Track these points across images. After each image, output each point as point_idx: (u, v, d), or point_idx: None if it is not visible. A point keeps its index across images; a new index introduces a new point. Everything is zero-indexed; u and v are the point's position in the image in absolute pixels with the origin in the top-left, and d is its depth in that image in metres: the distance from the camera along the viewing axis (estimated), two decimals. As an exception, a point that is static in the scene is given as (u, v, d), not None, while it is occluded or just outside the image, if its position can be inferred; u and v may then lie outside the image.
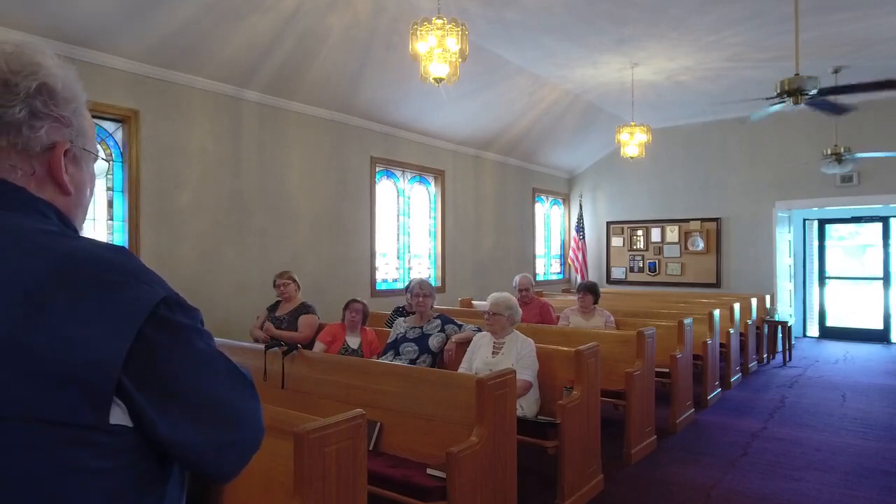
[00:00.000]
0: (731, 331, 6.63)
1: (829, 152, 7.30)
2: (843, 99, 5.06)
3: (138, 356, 0.67)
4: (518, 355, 3.77)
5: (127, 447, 0.68)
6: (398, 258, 7.59)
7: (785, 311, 9.03)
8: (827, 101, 4.97)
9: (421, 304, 4.28)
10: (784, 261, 9.38)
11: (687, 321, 5.30)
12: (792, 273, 9.71)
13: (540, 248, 10.43)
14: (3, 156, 0.75)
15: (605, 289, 8.40)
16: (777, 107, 4.99)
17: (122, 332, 0.67)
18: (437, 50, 3.93)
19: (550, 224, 10.84)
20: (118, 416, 0.67)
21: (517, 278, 5.72)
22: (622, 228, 10.51)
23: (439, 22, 3.93)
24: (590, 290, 5.52)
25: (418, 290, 4.30)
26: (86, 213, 0.87)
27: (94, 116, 4.61)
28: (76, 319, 0.65)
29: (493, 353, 3.86)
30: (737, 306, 6.99)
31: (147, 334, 0.68)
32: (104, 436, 0.66)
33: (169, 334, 0.71)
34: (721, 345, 6.41)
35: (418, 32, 3.94)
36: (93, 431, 0.65)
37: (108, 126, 4.75)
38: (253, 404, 0.83)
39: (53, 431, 0.63)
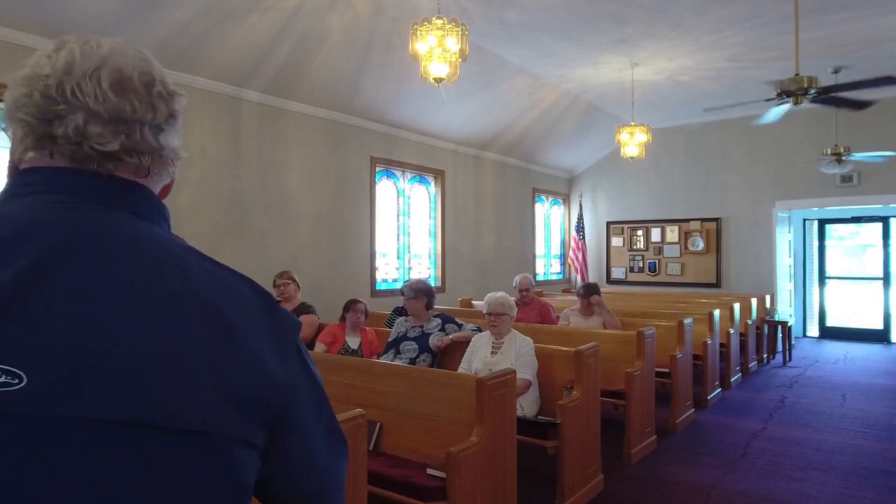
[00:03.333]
0: (731, 331, 6.63)
1: (829, 152, 7.30)
2: (863, 94, 5.03)
3: (292, 381, 0.69)
4: (517, 354, 3.78)
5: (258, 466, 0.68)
6: (398, 258, 7.59)
7: (785, 311, 9.02)
8: (843, 97, 4.96)
9: (409, 306, 4.28)
10: (784, 261, 9.38)
11: (687, 321, 5.30)
12: (792, 273, 9.71)
13: (540, 248, 10.43)
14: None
15: (605, 289, 8.40)
16: (783, 108, 4.98)
17: (286, 353, 0.69)
18: (437, 50, 3.92)
19: (550, 224, 10.84)
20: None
21: (517, 278, 5.73)
22: (622, 228, 10.51)
23: (439, 22, 3.93)
24: (592, 294, 5.52)
25: (408, 293, 4.30)
26: None
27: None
28: (253, 338, 0.66)
29: (493, 352, 3.86)
30: (737, 306, 6.99)
31: (297, 359, 0.71)
32: (257, 456, 0.67)
33: (303, 362, 0.72)
34: (721, 345, 6.41)
35: (418, 32, 3.93)
36: (256, 451, 0.66)
37: (108, 126, 4.74)
38: (344, 465, 0.81)
39: (236, 452, 0.63)
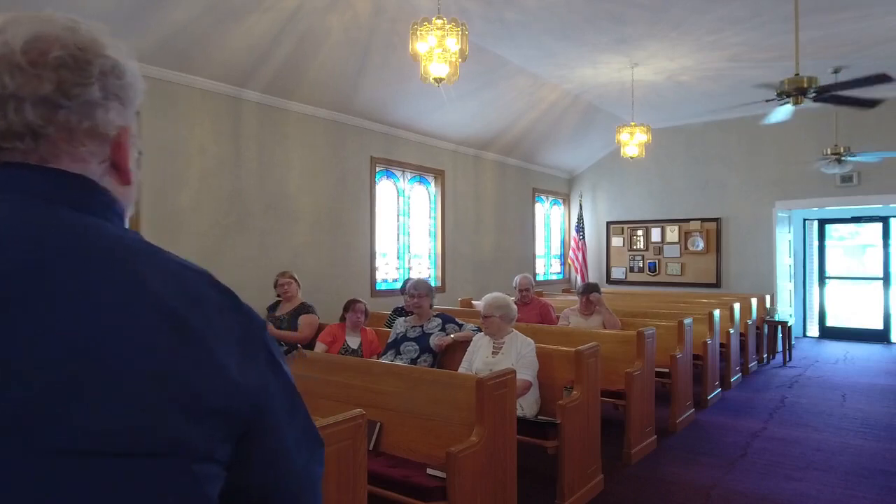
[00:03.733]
0: (731, 331, 6.63)
1: (829, 152, 7.30)
2: (868, 93, 5.02)
3: (262, 381, 0.64)
4: (518, 355, 3.77)
5: (222, 480, 0.63)
6: (398, 258, 7.59)
7: (785, 311, 9.02)
8: (849, 96, 4.95)
9: (417, 305, 4.27)
10: (784, 261, 9.38)
11: (687, 321, 5.30)
12: (792, 273, 9.71)
13: (540, 248, 10.43)
14: (80, 141, 0.66)
15: (605, 289, 8.39)
16: (789, 108, 4.97)
17: (253, 355, 0.63)
18: (437, 50, 3.92)
19: (550, 224, 10.84)
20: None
21: (517, 278, 5.73)
22: (622, 228, 10.51)
23: (439, 22, 3.93)
24: (591, 291, 5.52)
25: (413, 291, 4.29)
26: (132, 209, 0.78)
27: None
28: (215, 344, 0.60)
29: (493, 352, 3.86)
30: (737, 306, 6.99)
31: (265, 360, 0.65)
32: (221, 469, 0.61)
33: (273, 363, 0.67)
34: (721, 345, 6.41)
35: (418, 32, 3.94)
36: (219, 465, 0.61)
37: (108, 126, 4.74)
38: (321, 470, 0.75)
39: (199, 468, 0.58)
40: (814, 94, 4.65)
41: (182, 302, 0.60)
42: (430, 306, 4.32)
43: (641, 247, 10.30)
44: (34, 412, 0.51)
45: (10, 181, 0.63)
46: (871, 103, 5.17)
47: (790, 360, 8.06)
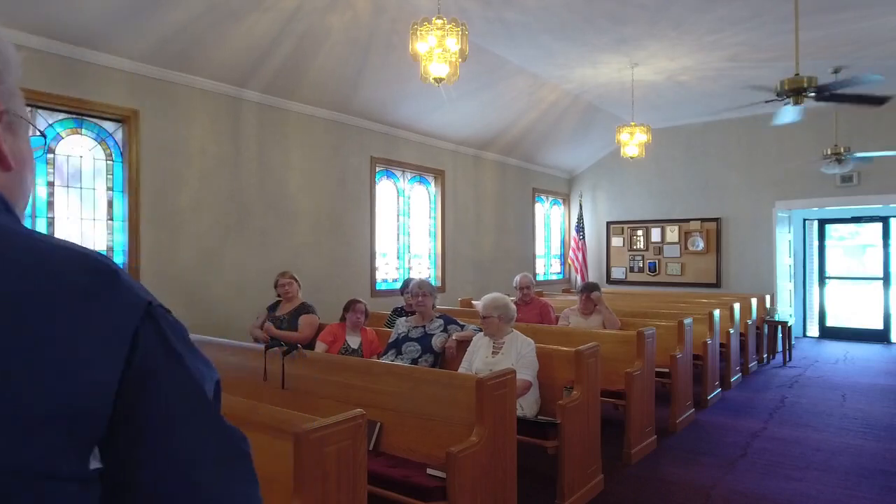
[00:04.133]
0: (731, 331, 6.63)
1: (829, 152, 7.30)
2: (877, 90, 5.00)
3: (131, 379, 0.53)
4: (518, 355, 3.77)
5: (95, 497, 0.52)
6: (398, 258, 7.59)
7: (785, 311, 9.02)
8: (858, 94, 4.94)
9: (421, 304, 4.27)
10: (784, 261, 9.38)
11: (687, 321, 5.30)
12: (792, 273, 9.71)
13: (540, 248, 10.43)
14: None
15: (605, 289, 8.38)
16: (798, 108, 4.94)
17: (113, 345, 0.52)
18: (437, 50, 3.92)
19: (550, 224, 10.84)
20: (94, 459, 0.52)
21: (517, 278, 5.73)
22: (622, 228, 10.51)
23: (439, 22, 3.93)
24: (592, 290, 5.52)
25: (417, 290, 4.29)
26: (27, 199, 0.67)
27: (93, 116, 4.63)
28: (59, 337, 0.50)
29: (494, 352, 3.86)
30: (737, 306, 6.99)
31: (140, 348, 0.54)
32: (79, 486, 0.50)
33: (164, 355, 0.56)
34: (721, 345, 6.41)
35: (418, 32, 3.93)
36: (70, 482, 0.49)
37: (109, 126, 4.75)
38: (248, 489, 0.60)
39: (29, 486, 0.47)
40: (813, 94, 4.64)
41: (23, 282, 0.50)
42: (433, 306, 4.33)
43: (641, 247, 10.30)
44: None
45: None
46: (879, 100, 5.15)
47: (790, 360, 8.06)
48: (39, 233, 0.56)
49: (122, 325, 0.53)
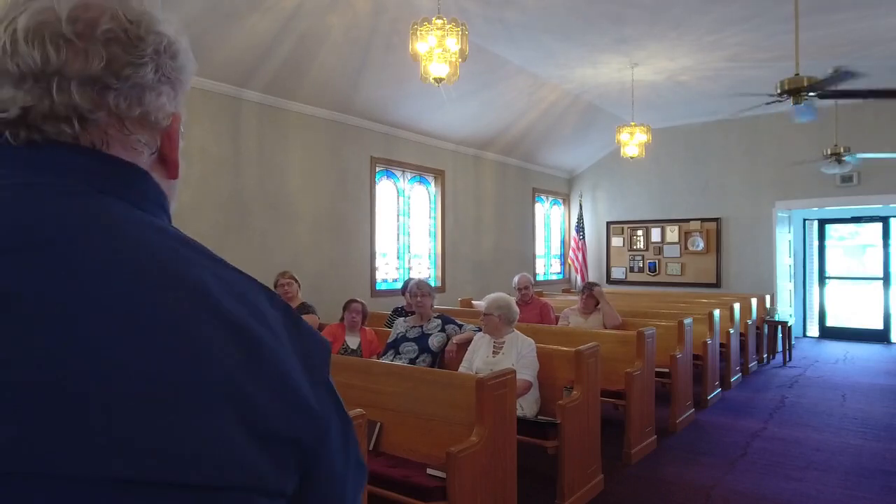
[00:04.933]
0: (731, 331, 6.63)
1: (829, 152, 7.29)
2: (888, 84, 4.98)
3: (327, 411, 0.55)
4: (518, 355, 3.77)
5: None
6: (398, 258, 7.59)
7: (785, 311, 9.03)
8: (869, 89, 4.92)
9: (420, 304, 4.28)
10: (784, 261, 9.38)
11: (687, 321, 5.30)
12: (792, 273, 9.71)
13: (540, 248, 10.43)
14: (130, 129, 0.57)
15: (605, 289, 8.38)
16: (814, 105, 4.92)
17: (317, 381, 0.54)
18: (437, 50, 3.93)
19: (550, 224, 10.84)
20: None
21: (517, 278, 5.74)
22: (622, 228, 10.51)
23: (439, 22, 3.93)
24: (593, 288, 5.53)
25: (416, 290, 4.30)
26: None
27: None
28: (284, 360, 0.51)
29: (494, 352, 3.86)
30: (737, 306, 6.99)
31: (326, 386, 0.56)
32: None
33: (331, 393, 0.57)
34: (721, 345, 6.41)
35: (418, 32, 3.94)
36: (282, 499, 0.51)
37: (108, 126, 4.74)
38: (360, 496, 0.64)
39: (257, 500, 0.48)
40: (812, 94, 4.64)
41: (247, 315, 0.51)
42: (431, 307, 4.34)
43: (641, 247, 10.30)
44: (58, 435, 0.42)
45: (58, 164, 0.54)
46: (893, 93, 5.12)
47: (790, 360, 8.06)
48: (211, 252, 0.57)
49: (320, 360, 0.56)
